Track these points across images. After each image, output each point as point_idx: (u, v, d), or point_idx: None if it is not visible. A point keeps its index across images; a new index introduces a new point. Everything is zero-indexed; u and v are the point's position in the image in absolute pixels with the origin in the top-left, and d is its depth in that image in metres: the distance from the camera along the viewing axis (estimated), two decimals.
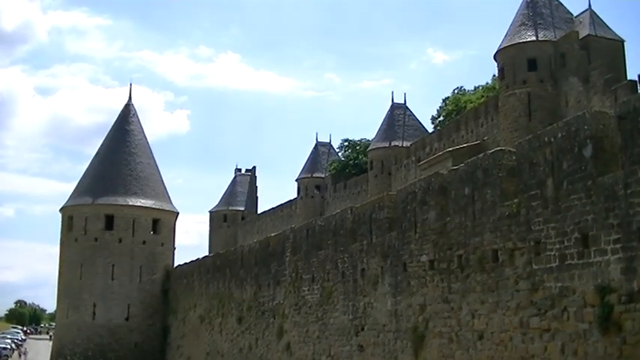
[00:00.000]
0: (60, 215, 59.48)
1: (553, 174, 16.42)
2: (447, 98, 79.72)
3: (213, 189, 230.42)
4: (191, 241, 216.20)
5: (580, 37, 48.34)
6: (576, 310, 15.59)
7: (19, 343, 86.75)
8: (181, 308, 52.21)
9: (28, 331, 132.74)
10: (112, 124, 63.52)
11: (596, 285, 15.02)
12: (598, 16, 50.81)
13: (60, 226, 59.20)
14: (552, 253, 16.37)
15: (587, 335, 15.27)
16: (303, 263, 31.08)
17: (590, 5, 51.67)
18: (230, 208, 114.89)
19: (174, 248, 60.41)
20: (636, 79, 40.83)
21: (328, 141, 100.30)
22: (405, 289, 22.60)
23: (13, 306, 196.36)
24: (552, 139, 16.53)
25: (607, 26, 50.28)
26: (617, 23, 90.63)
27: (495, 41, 55.09)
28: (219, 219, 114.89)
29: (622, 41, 49.50)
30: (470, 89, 77.30)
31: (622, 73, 46.43)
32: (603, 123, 15.45)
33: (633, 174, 14.26)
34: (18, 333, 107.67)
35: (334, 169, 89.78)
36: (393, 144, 73.69)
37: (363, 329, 25.25)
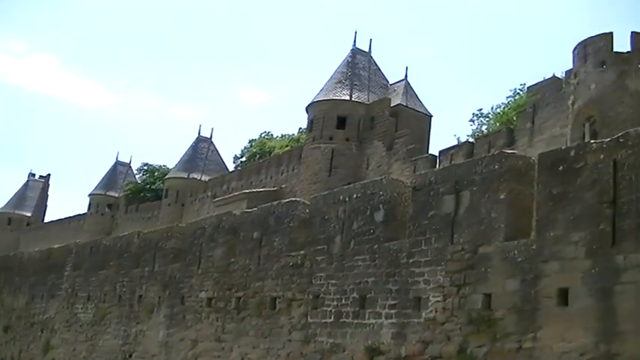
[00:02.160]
0: None
1: (343, 232, 16.03)
2: (253, 140, 79.43)
3: (2, 190, 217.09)
4: None
5: (391, 105, 49.06)
6: None
7: None
8: None
9: None
10: None
11: (367, 346, 14.62)
12: (412, 88, 52.12)
13: None
14: (329, 309, 15.88)
15: None
16: (82, 280, 29.14)
17: (406, 76, 53.00)
18: (16, 211, 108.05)
19: None
20: (437, 154, 41.79)
21: (128, 162, 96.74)
22: (180, 322, 21.47)
23: None
24: (347, 199, 16.18)
25: (418, 99, 51.69)
26: (429, 98, 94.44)
27: (311, 91, 55.12)
28: (4, 221, 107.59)
29: (430, 116, 51.01)
30: (278, 135, 77.43)
31: (425, 145, 47.60)
32: (398, 191, 15.25)
33: (418, 244, 14.08)
34: None
35: (129, 191, 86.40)
36: (191, 176, 72.02)
37: (131, 356, 23.78)
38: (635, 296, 10.47)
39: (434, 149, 45.31)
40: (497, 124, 49.81)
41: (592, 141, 11.94)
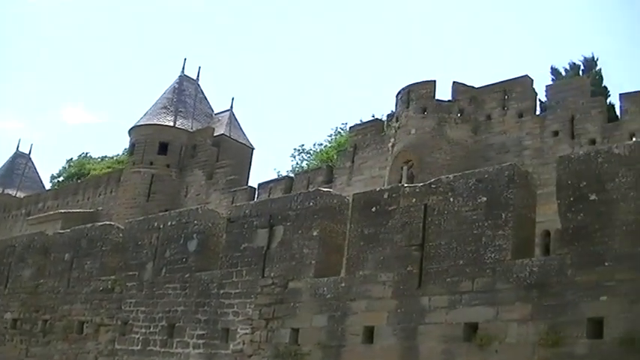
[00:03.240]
0: None
1: (155, 259, 14.92)
2: (72, 160, 75.10)
3: None
4: None
5: (215, 135, 46.87)
6: None
7: None
8: None
9: None
10: None
11: None
12: (236, 119, 50.12)
13: None
14: (137, 336, 14.66)
15: None
16: None
17: (231, 107, 50.93)
18: None
19: None
20: (256, 186, 40.52)
21: None
22: None
23: None
24: (162, 226, 15.11)
25: (242, 130, 49.82)
26: (253, 130, 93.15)
27: (137, 115, 52.14)
28: None
29: (252, 148, 49.25)
30: (98, 156, 73.57)
31: (245, 177, 45.87)
32: (213, 221, 14.37)
33: (229, 276, 13.23)
34: None
35: None
36: (6, 191, 66.78)
37: None
38: (437, 337, 10.07)
39: (254, 181, 44.03)
40: (318, 162, 49.36)
41: (405, 185, 11.58)
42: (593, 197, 9.15)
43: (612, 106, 30.67)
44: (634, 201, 8.80)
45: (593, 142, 26.36)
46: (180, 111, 48.66)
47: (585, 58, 38.27)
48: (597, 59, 37.90)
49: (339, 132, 52.20)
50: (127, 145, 51.15)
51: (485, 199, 10.15)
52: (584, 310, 8.87)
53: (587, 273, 8.96)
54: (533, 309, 9.31)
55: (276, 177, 43.41)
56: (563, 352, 8.88)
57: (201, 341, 13.34)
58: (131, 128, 48.83)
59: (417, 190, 10.92)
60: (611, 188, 9.03)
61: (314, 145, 55.63)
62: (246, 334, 12.57)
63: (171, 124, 47.40)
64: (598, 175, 9.18)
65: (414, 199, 10.86)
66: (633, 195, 8.82)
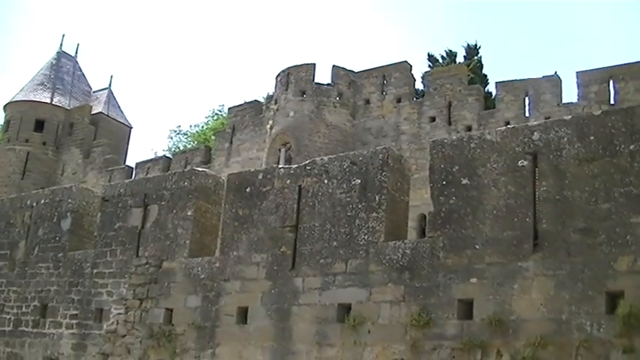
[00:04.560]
0: None
1: (27, 238, 13.48)
2: None
3: None
4: None
5: (92, 113, 43.57)
6: None
7: None
8: None
9: None
10: None
11: (45, 356, 12.28)
12: (114, 97, 46.83)
13: None
14: (8, 317, 13.23)
15: None
16: None
17: (110, 85, 47.32)
18: None
19: None
20: (134, 166, 38.35)
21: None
22: None
23: None
24: (35, 204, 13.67)
25: (120, 109, 46.71)
26: (131, 109, 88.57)
27: (14, 91, 47.93)
28: None
29: (130, 127, 46.28)
30: None
31: (122, 156, 43.18)
32: (87, 200, 13.11)
33: (103, 255, 12.03)
34: None
35: None
36: None
37: None
38: (310, 318, 9.29)
39: (132, 161, 41.61)
40: (195, 143, 47.24)
41: (280, 166, 10.70)
42: (465, 182, 8.58)
43: (490, 94, 30.60)
44: (504, 186, 8.29)
45: (469, 128, 26.24)
46: (58, 88, 44.97)
47: (469, 45, 37.27)
48: (479, 47, 37.04)
49: (217, 113, 50.01)
50: (1, 122, 47.07)
51: (359, 181, 9.40)
52: (455, 292, 8.36)
53: (457, 256, 8.46)
54: (405, 290, 8.73)
55: (153, 157, 41.20)
56: (435, 332, 8.35)
57: (74, 321, 12.13)
58: (6, 104, 44.53)
59: (292, 171, 10.07)
60: (482, 173, 8.48)
61: (190, 126, 52.91)
62: (120, 314, 11.45)
63: (48, 100, 43.60)
64: (470, 160, 8.60)
65: (289, 181, 10.00)
66: (504, 180, 8.31)
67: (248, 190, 10.40)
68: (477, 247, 8.33)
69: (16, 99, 44.23)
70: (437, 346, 8.28)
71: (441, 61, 37.29)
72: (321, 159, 9.93)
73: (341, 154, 10.11)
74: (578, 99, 25.67)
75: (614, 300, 7.37)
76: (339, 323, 9.07)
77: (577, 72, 25.87)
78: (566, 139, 8.02)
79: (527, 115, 26.12)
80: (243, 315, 9.98)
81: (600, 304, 7.44)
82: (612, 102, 24.68)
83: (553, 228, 7.90)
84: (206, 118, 52.03)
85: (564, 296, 7.64)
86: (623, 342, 7.19)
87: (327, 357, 9.06)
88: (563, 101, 25.97)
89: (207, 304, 10.35)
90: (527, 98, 26.64)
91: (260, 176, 10.40)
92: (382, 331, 8.74)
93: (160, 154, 44.76)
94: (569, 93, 26.59)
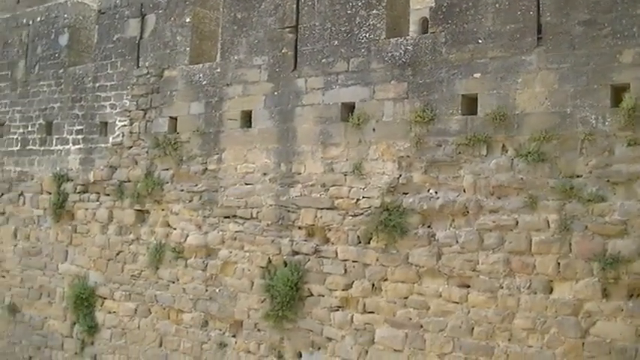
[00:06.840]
0: None
1: (26, 57, 13.23)
2: None
3: None
4: None
5: None
6: (32, 196, 12.78)
7: None
8: None
9: None
10: None
11: (55, 173, 12.36)
12: None
13: None
14: (15, 137, 13.24)
15: (41, 221, 12.60)
16: None
17: None
18: None
19: None
20: None
21: None
22: None
23: None
24: (31, 22, 13.29)
25: None
26: None
27: None
28: None
29: None
30: None
31: None
32: (84, 14, 12.71)
33: (103, 68, 11.82)
34: None
35: None
36: None
37: None
38: (313, 118, 9.23)
39: None
40: None
41: None
42: None
43: None
44: None
45: None
46: None
47: None
48: None
49: None
50: None
51: None
52: (458, 87, 8.17)
53: (460, 51, 8.17)
54: (408, 87, 8.53)
55: None
56: (439, 128, 8.26)
57: (80, 136, 12.12)
58: None
59: None
60: None
61: None
62: (125, 125, 11.41)
63: None
64: None
65: None
66: None
67: None
68: (480, 41, 8.04)
69: None
70: (441, 142, 8.21)
71: None
72: None
73: None
74: None
75: (619, 93, 7.18)
76: (343, 122, 8.98)
77: None
78: None
79: None
80: (246, 119, 9.90)
81: (605, 97, 7.25)
82: None
83: (557, 20, 7.58)
84: None
85: (568, 89, 7.45)
86: (627, 134, 7.08)
87: (333, 156, 9.06)
88: None
89: (211, 110, 10.25)
90: None
91: None
92: (386, 128, 8.65)
93: None
94: None
